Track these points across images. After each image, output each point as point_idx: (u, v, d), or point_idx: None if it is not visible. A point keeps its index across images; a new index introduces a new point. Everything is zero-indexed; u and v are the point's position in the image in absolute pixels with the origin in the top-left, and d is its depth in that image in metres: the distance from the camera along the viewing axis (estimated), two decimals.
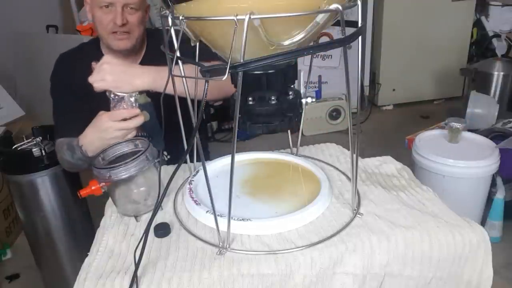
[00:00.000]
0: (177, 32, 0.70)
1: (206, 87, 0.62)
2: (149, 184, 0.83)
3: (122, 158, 0.85)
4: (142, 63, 1.24)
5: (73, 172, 1.28)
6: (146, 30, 1.27)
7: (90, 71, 1.20)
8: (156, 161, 0.82)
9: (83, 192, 0.81)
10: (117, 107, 0.94)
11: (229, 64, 0.57)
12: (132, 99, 0.94)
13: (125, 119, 0.94)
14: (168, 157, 1.25)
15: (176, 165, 0.68)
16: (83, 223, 1.54)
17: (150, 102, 1.01)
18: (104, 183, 0.79)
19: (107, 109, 0.99)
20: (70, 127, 1.18)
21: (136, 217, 0.82)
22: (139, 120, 0.94)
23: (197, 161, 0.98)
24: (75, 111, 1.19)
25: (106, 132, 0.94)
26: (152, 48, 1.27)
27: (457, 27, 3.35)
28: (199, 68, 0.63)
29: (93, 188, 0.79)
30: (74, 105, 1.21)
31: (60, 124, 1.25)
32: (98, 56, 1.21)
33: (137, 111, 0.94)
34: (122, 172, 0.77)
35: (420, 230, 0.73)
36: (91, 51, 1.26)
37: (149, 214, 0.83)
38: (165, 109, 0.85)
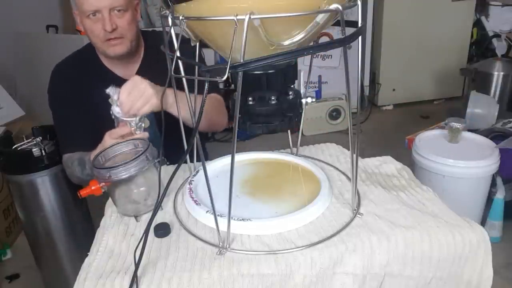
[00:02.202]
0: (177, 32, 0.70)
1: (206, 87, 0.62)
2: (149, 184, 0.83)
3: (122, 158, 0.85)
4: (141, 67, 1.22)
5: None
6: (143, 32, 1.24)
7: (89, 80, 1.19)
8: (156, 161, 0.82)
9: (83, 192, 0.81)
10: (119, 125, 0.97)
11: (229, 64, 0.57)
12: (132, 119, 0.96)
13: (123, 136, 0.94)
14: (168, 163, 1.25)
15: (176, 165, 0.68)
16: (83, 223, 1.54)
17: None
18: (104, 183, 0.79)
19: (109, 118, 0.99)
20: (76, 142, 1.17)
21: (136, 217, 0.82)
22: (136, 137, 0.93)
23: (197, 161, 0.98)
24: (78, 124, 1.18)
25: None
26: (150, 50, 1.24)
27: (457, 27, 3.35)
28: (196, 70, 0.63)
29: (93, 188, 0.79)
30: (76, 117, 1.18)
31: (65, 139, 1.23)
32: (96, 63, 1.21)
33: (127, 130, 0.95)
34: (122, 172, 0.77)
35: (420, 230, 0.73)
36: (89, 57, 1.22)
37: (149, 214, 0.83)
38: (164, 117, 0.85)
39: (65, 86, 1.21)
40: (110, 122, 0.98)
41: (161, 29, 0.72)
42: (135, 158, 0.78)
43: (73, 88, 1.19)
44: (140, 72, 1.21)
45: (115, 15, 1.09)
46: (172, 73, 0.70)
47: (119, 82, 1.19)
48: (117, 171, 0.77)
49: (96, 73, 1.21)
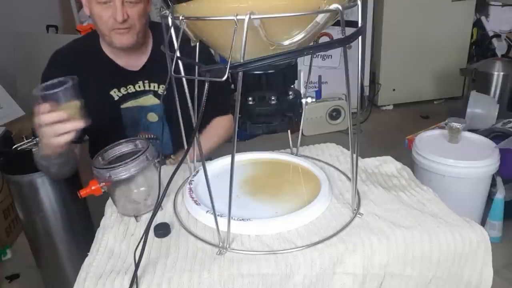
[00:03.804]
0: (177, 32, 0.70)
1: (206, 88, 0.62)
2: (149, 184, 0.83)
3: (122, 158, 0.85)
4: (150, 59, 1.19)
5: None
6: (151, 23, 1.21)
7: (88, 69, 1.17)
8: (156, 161, 0.82)
9: (83, 192, 0.81)
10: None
11: (229, 64, 0.57)
12: None
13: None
14: (173, 158, 1.24)
15: (176, 165, 0.68)
16: (83, 223, 1.54)
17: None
18: (104, 183, 0.79)
19: (101, 111, 0.97)
20: None
21: (136, 217, 0.82)
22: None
23: (197, 161, 0.98)
24: None
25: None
26: (159, 43, 1.18)
27: (457, 27, 3.35)
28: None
29: (93, 188, 0.79)
30: None
31: None
32: (98, 51, 1.18)
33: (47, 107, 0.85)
34: (122, 172, 0.77)
35: (420, 230, 0.73)
36: (90, 46, 1.18)
37: (149, 214, 0.83)
38: (174, 112, 0.85)
39: (62, 73, 1.17)
40: (105, 116, 0.94)
41: None
42: (134, 158, 0.78)
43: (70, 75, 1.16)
44: (149, 65, 1.19)
45: (127, 5, 1.05)
46: (173, 73, 0.70)
47: (120, 72, 1.18)
48: (117, 171, 0.77)
49: (97, 62, 1.17)
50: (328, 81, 3.30)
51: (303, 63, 2.53)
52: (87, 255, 0.74)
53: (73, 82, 0.87)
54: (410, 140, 2.05)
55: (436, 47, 3.38)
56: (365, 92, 3.51)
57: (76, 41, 1.24)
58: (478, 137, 1.83)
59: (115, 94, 1.19)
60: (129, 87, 1.19)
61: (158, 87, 1.21)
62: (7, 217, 2.11)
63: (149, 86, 1.20)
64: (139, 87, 1.20)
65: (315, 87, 3.28)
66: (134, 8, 1.07)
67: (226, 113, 1.26)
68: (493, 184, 1.80)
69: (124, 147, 0.88)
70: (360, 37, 0.66)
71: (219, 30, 0.65)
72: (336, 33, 2.79)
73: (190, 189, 0.86)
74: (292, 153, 1.04)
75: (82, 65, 1.16)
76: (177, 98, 0.85)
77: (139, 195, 0.83)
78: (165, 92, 0.81)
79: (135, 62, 1.19)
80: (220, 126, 1.16)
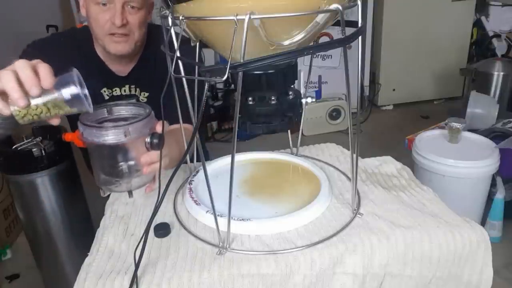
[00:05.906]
0: (177, 32, 0.70)
1: (206, 88, 0.62)
2: (126, 156, 0.77)
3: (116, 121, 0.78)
4: (136, 67, 1.16)
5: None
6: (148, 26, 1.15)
7: (81, 64, 1.12)
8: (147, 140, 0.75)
9: (67, 136, 0.76)
10: None
11: (229, 64, 0.57)
12: None
13: None
14: None
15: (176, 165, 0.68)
16: (83, 223, 1.54)
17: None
18: (81, 137, 0.73)
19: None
20: None
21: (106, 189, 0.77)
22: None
23: (197, 161, 0.98)
24: None
25: None
26: (149, 49, 1.15)
27: (457, 27, 3.35)
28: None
29: (77, 136, 0.74)
30: None
31: None
32: (90, 51, 1.13)
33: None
34: (94, 134, 0.71)
35: (420, 230, 0.73)
36: (85, 43, 1.13)
37: (149, 215, 0.82)
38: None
39: (49, 56, 0.99)
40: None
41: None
42: (112, 127, 0.72)
43: (54, 63, 1.09)
44: (135, 71, 1.16)
45: (127, 10, 1.00)
46: (173, 73, 0.70)
47: (110, 75, 1.15)
48: (90, 131, 0.72)
49: (90, 60, 1.13)
50: (328, 81, 3.30)
51: (303, 63, 2.53)
52: (87, 255, 0.74)
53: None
54: (410, 140, 2.05)
55: (436, 47, 3.38)
56: (365, 92, 3.51)
57: (73, 34, 1.18)
58: (478, 137, 1.83)
59: (105, 93, 1.16)
60: (115, 90, 1.17)
61: (140, 93, 1.18)
62: (7, 217, 2.11)
63: (135, 91, 1.18)
64: (125, 91, 1.18)
65: (315, 87, 3.28)
66: (135, 15, 1.02)
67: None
68: (493, 184, 1.80)
69: (123, 111, 0.81)
70: (360, 37, 0.66)
71: (219, 30, 0.65)
72: (336, 33, 2.79)
73: (190, 189, 0.86)
74: (292, 153, 1.04)
75: (77, 57, 1.12)
76: (177, 100, 0.85)
77: (112, 165, 0.77)
78: (163, 94, 0.78)
79: (123, 68, 1.16)
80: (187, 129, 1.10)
